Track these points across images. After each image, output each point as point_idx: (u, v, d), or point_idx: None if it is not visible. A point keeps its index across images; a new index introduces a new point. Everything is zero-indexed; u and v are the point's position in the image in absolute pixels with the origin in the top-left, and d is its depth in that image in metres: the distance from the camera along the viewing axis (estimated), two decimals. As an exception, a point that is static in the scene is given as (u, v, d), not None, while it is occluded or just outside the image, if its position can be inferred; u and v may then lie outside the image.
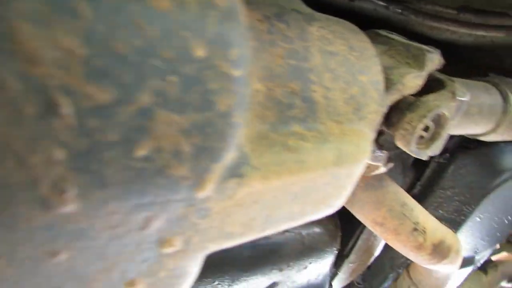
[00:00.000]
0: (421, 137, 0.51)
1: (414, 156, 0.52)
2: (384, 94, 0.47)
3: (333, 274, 0.96)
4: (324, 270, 0.78)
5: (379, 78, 0.46)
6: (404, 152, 0.99)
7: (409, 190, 1.08)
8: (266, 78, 0.35)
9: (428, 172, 1.05)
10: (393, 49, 0.54)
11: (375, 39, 0.56)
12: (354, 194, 0.73)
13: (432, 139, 0.52)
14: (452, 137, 1.01)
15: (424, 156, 0.53)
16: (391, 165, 0.59)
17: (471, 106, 0.61)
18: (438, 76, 0.56)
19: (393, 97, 0.50)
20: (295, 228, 0.73)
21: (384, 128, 0.53)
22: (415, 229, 0.71)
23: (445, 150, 1.02)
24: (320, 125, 0.38)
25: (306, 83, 0.38)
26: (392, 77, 0.49)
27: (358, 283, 1.42)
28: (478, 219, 1.13)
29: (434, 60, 0.54)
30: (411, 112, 0.49)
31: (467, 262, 1.34)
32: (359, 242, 0.92)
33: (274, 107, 0.35)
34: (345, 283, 1.10)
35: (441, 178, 1.04)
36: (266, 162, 0.32)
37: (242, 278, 0.68)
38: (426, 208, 1.10)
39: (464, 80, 0.65)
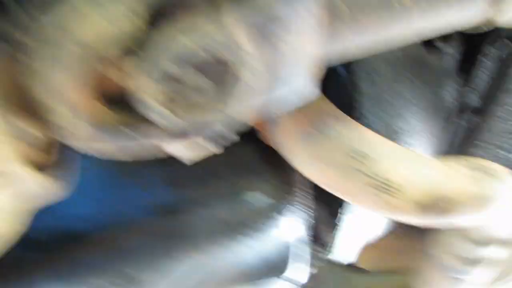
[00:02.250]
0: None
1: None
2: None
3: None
4: (281, 240, 0.61)
5: None
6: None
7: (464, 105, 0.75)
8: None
9: (482, 74, 0.69)
10: None
11: None
12: (290, 149, 0.51)
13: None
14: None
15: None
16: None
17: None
18: None
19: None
20: (207, 207, 0.55)
21: None
22: (377, 187, 0.47)
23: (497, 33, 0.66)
24: None
25: None
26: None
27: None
28: None
29: None
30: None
31: None
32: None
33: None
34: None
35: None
36: None
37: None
38: (496, 134, 0.78)
39: None
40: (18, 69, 0.33)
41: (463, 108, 0.73)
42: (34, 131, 0.36)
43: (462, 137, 0.76)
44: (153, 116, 0.31)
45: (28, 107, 0.34)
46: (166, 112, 0.31)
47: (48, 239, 0.55)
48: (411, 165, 0.49)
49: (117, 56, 0.32)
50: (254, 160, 0.60)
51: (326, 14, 0.34)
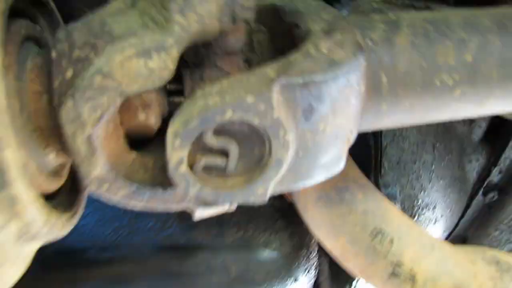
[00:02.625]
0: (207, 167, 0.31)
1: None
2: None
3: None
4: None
5: None
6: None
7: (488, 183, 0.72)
8: None
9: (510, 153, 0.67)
10: None
11: None
12: (307, 210, 0.49)
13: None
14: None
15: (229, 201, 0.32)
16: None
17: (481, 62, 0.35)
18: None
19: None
20: (218, 255, 0.54)
21: None
22: (394, 274, 0.44)
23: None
24: None
25: None
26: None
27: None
28: None
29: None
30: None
31: None
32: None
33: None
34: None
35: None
36: None
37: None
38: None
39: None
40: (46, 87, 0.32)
41: (486, 187, 0.70)
42: (52, 158, 0.35)
43: (482, 216, 0.72)
44: (177, 179, 0.30)
45: (51, 133, 0.33)
46: (193, 178, 0.29)
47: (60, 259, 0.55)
48: (435, 258, 0.46)
49: (147, 95, 0.32)
50: (272, 215, 0.58)
51: (367, 89, 0.33)
